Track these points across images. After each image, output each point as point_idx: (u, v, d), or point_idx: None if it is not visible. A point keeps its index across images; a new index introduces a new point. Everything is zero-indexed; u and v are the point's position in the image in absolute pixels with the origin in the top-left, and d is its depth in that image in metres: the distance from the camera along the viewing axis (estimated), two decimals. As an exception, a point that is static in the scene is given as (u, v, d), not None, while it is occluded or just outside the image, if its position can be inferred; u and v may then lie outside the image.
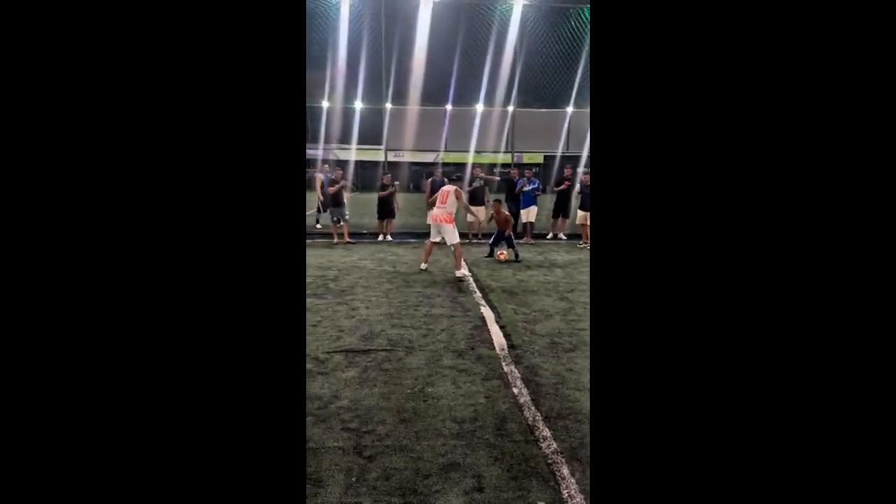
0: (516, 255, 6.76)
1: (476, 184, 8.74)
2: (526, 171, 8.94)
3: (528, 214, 8.69)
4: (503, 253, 6.75)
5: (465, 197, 5.86)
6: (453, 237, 5.70)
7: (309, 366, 3.02)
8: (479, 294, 4.87)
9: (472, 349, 3.35)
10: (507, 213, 7.04)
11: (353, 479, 1.90)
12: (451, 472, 1.96)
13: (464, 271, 5.72)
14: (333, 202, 8.20)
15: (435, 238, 5.86)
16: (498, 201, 7.17)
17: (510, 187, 9.01)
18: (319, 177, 9.15)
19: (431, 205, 6.06)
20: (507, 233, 6.75)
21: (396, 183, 8.93)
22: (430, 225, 5.95)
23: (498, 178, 10.71)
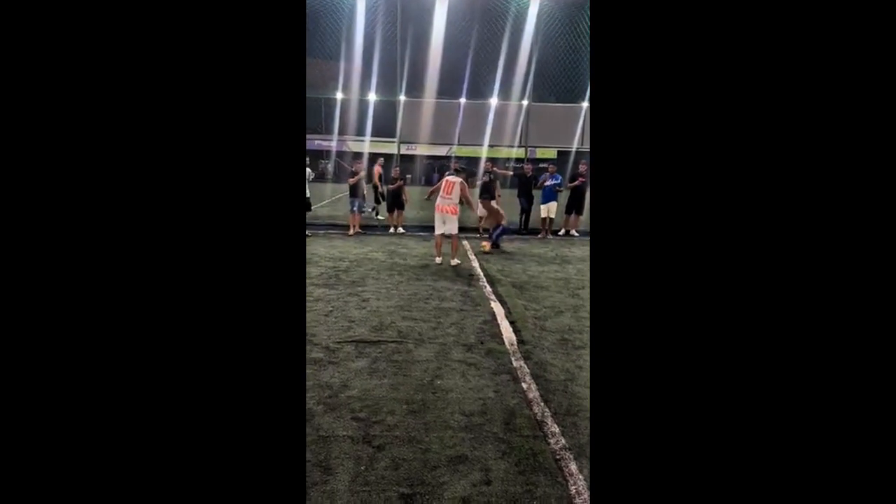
0: (497, 246, 7.12)
1: (486, 177, 8.71)
2: (549, 166, 8.87)
3: (549, 210, 8.63)
4: (486, 243, 7.08)
5: (468, 190, 6.01)
6: (453, 228, 5.94)
7: (320, 355, 3.05)
8: (489, 288, 4.86)
9: (482, 343, 3.35)
10: (494, 206, 7.28)
11: (362, 468, 1.92)
12: (459, 464, 1.97)
13: (458, 260, 6.02)
14: (352, 192, 8.35)
15: (440, 230, 5.98)
16: (484, 198, 7.42)
17: (523, 182, 8.93)
18: (378, 169, 9.39)
19: (433, 193, 6.20)
20: (499, 225, 7.08)
21: (408, 176, 8.95)
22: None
23: (511, 174, 10.63)
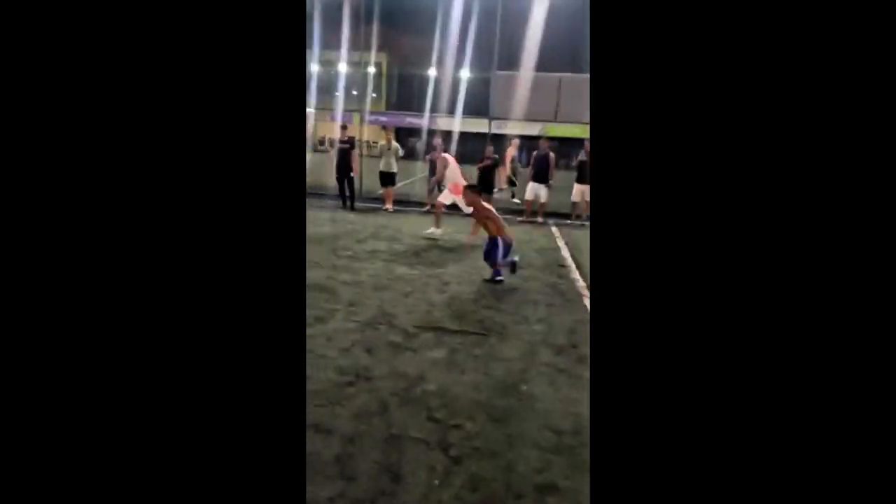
0: (495, 276, 4.19)
1: (539, 152, 7.82)
2: (586, 142, 7.80)
3: (584, 193, 7.58)
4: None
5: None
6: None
7: (397, 339, 2.90)
8: (582, 283, 4.39)
9: (574, 347, 2.96)
10: (486, 206, 4.46)
11: (436, 482, 1.70)
12: (548, 495, 1.66)
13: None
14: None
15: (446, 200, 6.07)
16: (472, 188, 4.68)
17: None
18: (512, 151, 10.02)
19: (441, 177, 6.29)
20: (498, 240, 4.20)
21: (496, 156, 8.49)
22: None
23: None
